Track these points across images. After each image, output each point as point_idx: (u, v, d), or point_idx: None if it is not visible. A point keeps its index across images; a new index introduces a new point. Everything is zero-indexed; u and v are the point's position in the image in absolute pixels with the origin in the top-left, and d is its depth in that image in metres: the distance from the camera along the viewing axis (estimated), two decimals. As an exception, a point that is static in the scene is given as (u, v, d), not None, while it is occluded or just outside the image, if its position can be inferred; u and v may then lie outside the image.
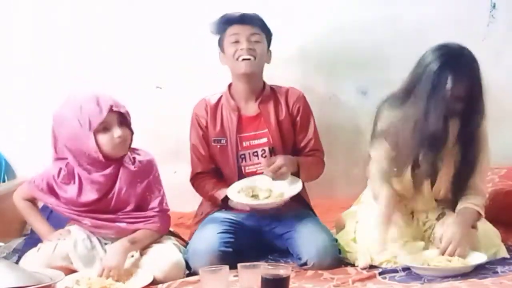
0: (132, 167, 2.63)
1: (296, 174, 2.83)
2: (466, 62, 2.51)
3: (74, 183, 2.62)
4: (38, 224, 2.73)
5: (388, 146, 2.62)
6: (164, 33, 3.35)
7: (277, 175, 2.76)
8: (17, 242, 2.88)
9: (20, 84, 3.38)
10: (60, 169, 2.64)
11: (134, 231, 2.63)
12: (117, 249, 2.54)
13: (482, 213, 2.64)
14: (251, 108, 2.92)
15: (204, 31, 3.29)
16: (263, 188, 2.78)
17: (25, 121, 3.37)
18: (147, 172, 2.68)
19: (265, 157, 2.89)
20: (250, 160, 2.91)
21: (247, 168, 2.91)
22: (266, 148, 2.90)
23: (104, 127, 2.56)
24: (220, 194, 2.85)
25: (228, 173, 2.91)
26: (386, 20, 3.32)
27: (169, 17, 3.35)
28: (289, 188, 2.77)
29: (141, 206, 2.67)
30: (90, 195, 2.61)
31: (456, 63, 2.49)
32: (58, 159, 2.65)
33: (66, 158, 2.63)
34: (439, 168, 2.63)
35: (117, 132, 2.57)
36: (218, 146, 2.91)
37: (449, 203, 2.74)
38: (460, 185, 2.66)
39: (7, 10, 3.37)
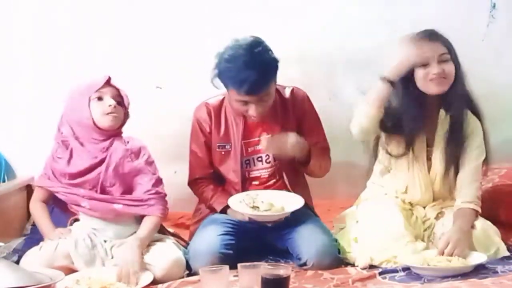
0: (124, 145, 2.71)
1: (306, 159, 2.81)
2: (436, 32, 2.69)
3: (65, 156, 2.70)
4: (44, 221, 2.75)
5: None
6: (164, 33, 3.35)
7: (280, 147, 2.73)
8: (17, 242, 2.88)
9: (20, 84, 3.38)
10: (58, 144, 2.73)
11: (132, 216, 2.68)
12: (129, 248, 2.55)
13: (479, 209, 2.65)
14: None
15: (204, 31, 3.30)
16: (265, 201, 2.76)
17: (25, 121, 3.37)
18: (138, 153, 2.74)
19: (269, 162, 2.88)
20: (254, 165, 2.89)
21: (251, 173, 2.89)
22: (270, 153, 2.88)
23: (99, 97, 2.67)
24: (219, 206, 2.83)
25: (231, 179, 2.88)
26: (386, 20, 3.33)
27: (169, 17, 3.35)
28: (290, 203, 2.75)
29: (128, 189, 2.70)
30: (79, 163, 2.68)
31: (426, 31, 2.69)
32: (57, 137, 2.75)
33: (65, 137, 2.72)
34: (430, 143, 2.72)
35: (109, 101, 2.66)
36: (223, 152, 2.88)
37: (448, 201, 2.77)
38: (453, 167, 2.70)
39: (7, 10, 3.36)
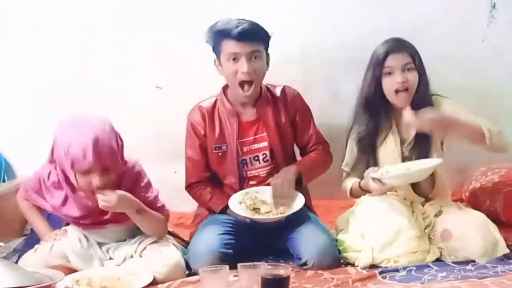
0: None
1: (299, 180, 2.83)
2: (402, 41, 2.80)
3: (62, 190, 2.57)
4: (38, 223, 2.74)
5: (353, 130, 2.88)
6: (164, 33, 3.35)
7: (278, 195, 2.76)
8: (17, 242, 2.89)
9: (20, 84, 3.38)
10: (50, 172, 2.59)
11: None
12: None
13: (487, 133, 2.59)
14: (249, 112, 2.89)
15: (205, 30, 3.29)
16: (264, 200, 2.76)
17: (25, 121, 3.37)
18: (129, 183, 2.60)
19: (266, 161, 2.89)
20: (251, 165, 2.89)
21: (248, 172, 2.90)
22: (267, 152, 2.89)
23: (85, 171, 2.46)
24: (217, 207, 2.83)
25: (229, 179, 2.89)
26: (385, 20, 3.33)
27: (169, 17, 3.35)
28: (290, 204, 2.76)
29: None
30: (73, 210, 2.58)
31: (393, 41, 2.81)
32: (51, 162, 2.58)
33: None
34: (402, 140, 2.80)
35: (95, 181, 2.46)
36: (220, 153, 2.87)
37: (446, 199, 2.79)
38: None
39: (7, 9, 3.36)
